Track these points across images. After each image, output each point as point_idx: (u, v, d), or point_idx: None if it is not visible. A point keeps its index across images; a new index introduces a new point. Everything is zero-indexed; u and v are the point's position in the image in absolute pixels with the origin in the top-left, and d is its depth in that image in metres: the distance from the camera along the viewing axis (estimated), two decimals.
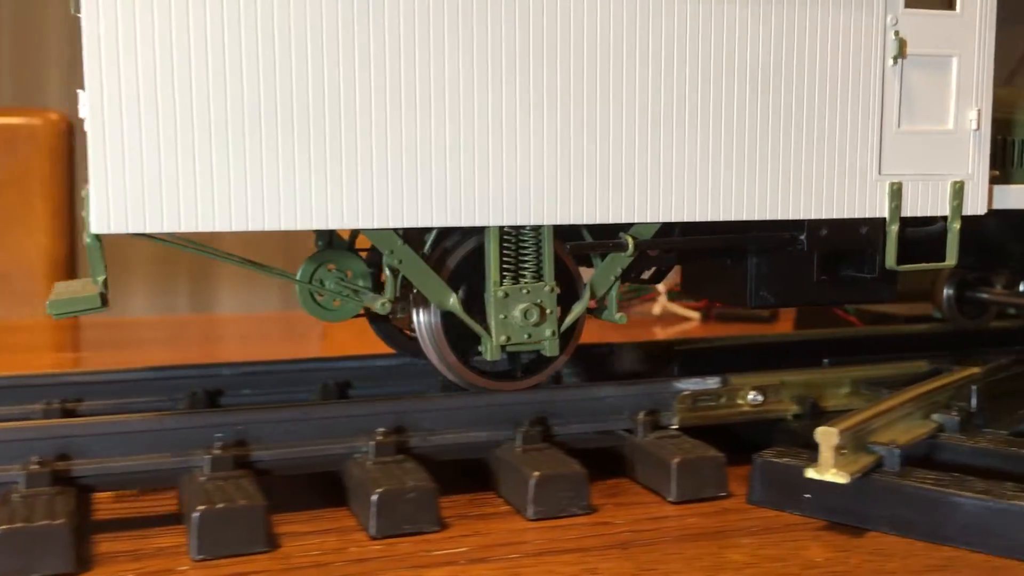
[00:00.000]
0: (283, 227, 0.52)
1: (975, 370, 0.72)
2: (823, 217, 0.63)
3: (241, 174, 0.51)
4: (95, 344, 1.28)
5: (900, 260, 0.66)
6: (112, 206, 0.50)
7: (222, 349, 1.28)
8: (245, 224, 0.52)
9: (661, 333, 1.38)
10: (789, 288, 0.68)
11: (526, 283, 0.59)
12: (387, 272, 0.58)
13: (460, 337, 0.61)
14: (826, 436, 0.56)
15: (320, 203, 0.53)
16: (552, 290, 0.60)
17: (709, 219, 0.61)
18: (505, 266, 0.59)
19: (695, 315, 1.47)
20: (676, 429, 0.67)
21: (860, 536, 0.56)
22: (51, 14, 2.19)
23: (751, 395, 0.70)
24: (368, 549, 0.54)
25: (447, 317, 0.60)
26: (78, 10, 0.51)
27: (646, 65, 0.58)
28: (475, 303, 0.60)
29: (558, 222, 0.57)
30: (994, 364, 0.74)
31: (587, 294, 0.62)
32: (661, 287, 1.53)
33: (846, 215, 0.64)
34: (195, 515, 0.52)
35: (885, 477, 0.57)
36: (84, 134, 0.51)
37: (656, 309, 1.49)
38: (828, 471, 0.56)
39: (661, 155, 0.58)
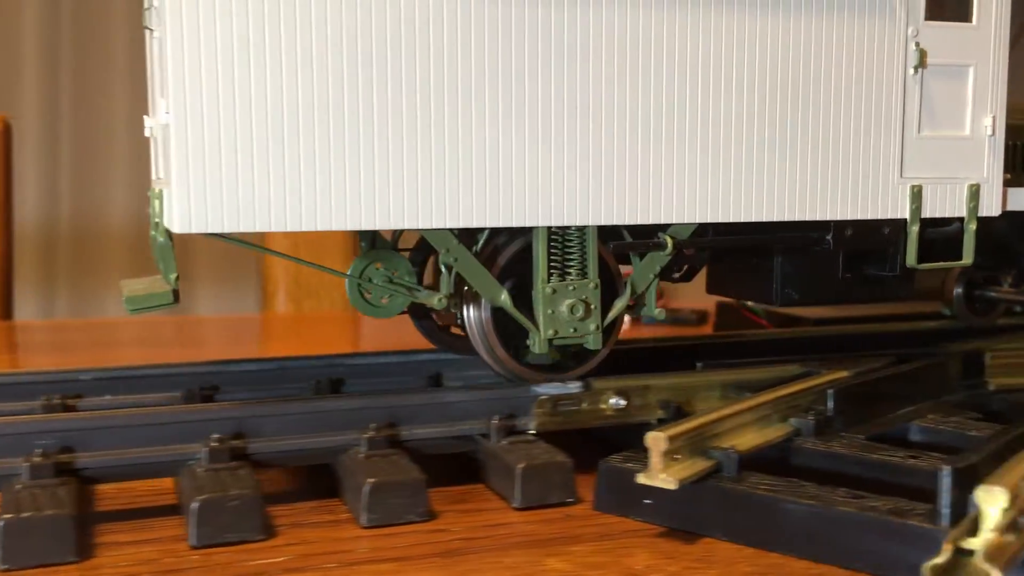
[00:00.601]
0: (349, 227, 0.55)
1: (843, 373, 0.72)
2: (848, 218, 0.67)
3: (313, 177, 0.54)
4: (85, 345, 1.28)
5: (919, 259, 0.69)
6: (194, 208, 0.52)
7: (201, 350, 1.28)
8: (315, 224, 0.55)
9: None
10: (814, 286, 0.71)
11: (572, 280, 0.63)
12: (443, 269, 0.62)
13: (508, 331, 0.64)
14: (655, 441, 0.55)
15: (384, 204, 0.56)
16: (596, 287, 0.63)
17: (743, 220, 0.64)
18: (552, 264, 0.62)
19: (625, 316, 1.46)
20: (533, 434, 0.67)
21: (693, 543, 0.55)
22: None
23: (613, 400, 0.69)
24: (185, 559, 0.53)
25: (496, 312, 0.63)
26: (149, 25, 0.56)
27: (684, 76, 0.61)
28: (522, 299, 0.63)
29: (602, 223, 0.61)
30: (864, 367, 0.74)
31: (628, 291, 0.65)
32: None
33: (869, 216, 0.67)
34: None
35: (720, 482, 0.56)
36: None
37: None
38: (657, 477, 0.55)
39: (698, 160, 0.62)
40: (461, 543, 0.55)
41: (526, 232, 0.62)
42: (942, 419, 0.70)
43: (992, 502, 0.44)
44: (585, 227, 0.62)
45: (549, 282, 0.62)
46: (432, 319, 0.74)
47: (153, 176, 0.65)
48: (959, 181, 0.70)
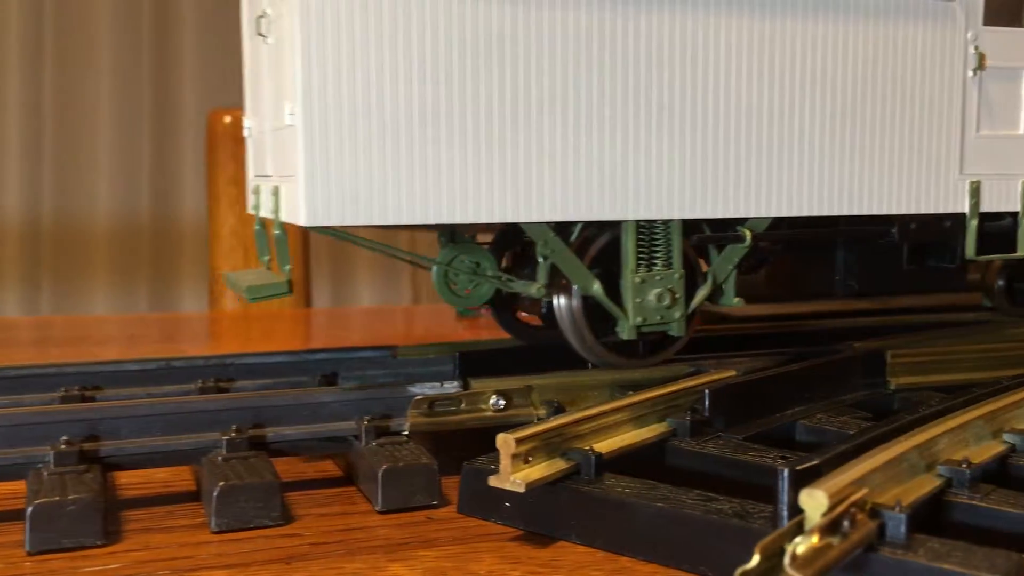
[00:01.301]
0: (458, 220, 0.59)
1: (730, 373, 0.70)
2: (913, 212, 0.70)
3: (429, 175, 0.58)
4: (68, 341, 1.26)
5: (977, 251, 0.73)
6: (320, 203, 0.55)
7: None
8: (427, 218, 0.58)
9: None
10: (878, 277, 0.76)
11: (658, 270, 0.66)
12: (540, 260, 0.65)
13: (596, 319, 0.67)
14: (504, 444, 0.53)
15: (491, 200, 0.59)
16: (681, 277, 0.67)
17: (816, 214, 0.67)
18: (640, 256, 0.66)
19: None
20: (407, 435, 0.65)
21: (546, 547, 0.54)
22: None
23: (493, 400, 0.68)
24: (19, 566, 0.51)
25: (586, 300, 0.66)
26: (262, 32, 0.60)
27: (765, 80, 0.65)
28: (609, 288, 0.66)
29: (687, 216, 0.64)
30: (753, 366, 0.72)
31: (709, 281, 0.69)
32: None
33: (932, 211, 0.71)
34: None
35: (575, 485, 0.55)
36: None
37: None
38: (507, 479, 0.53)
39: (775, 158, 0.65)
40: (309, 548, 0.54)
41: (614, 226, 0.65)
42: (829, 419, 0.69)
43: (814, 505, 0.42)
44: (670, 221, 0.66)
45: (637, 272, 0.65)
46: (510, 310, 0.77)
47: (252, 174, 0.70)
48: (1014, 177, 0.74)
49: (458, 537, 0.56)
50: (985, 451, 0.57)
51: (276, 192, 0.60)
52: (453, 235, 0.67)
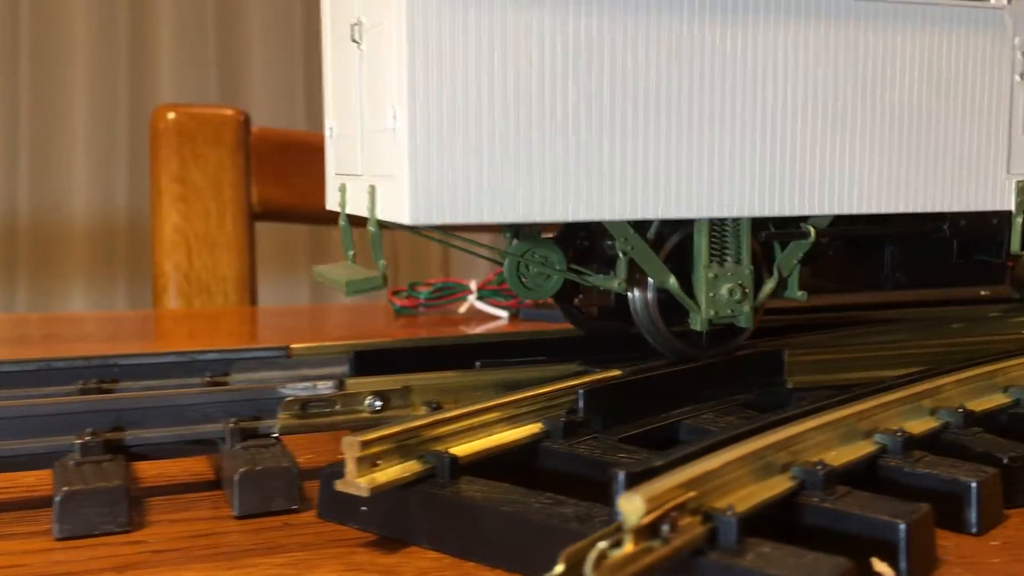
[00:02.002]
0: (548, 218, 0.61)
1: (615, 372, 0.69)
2: (963, 210, 0.74)
3: (522, 175, 0.60)
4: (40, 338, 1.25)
5: (1022, 246, 0.76)
6: (422, 202, 0.58)
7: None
8: (520, 216, 0.60)
9: (467, 331, 1.34)
10: (927, 272, 0.80)
11: (729, 266, 0.69)
12: (620, 256, 0.68)
13: (668, 311, 0.71)
14: (349, 446, 0.52)
15: (579, 199, 0.62)
16: (751, 272, 0.70)
17: (874, 211, 0.71)
18: (712, 252, 0.69)
19: (503, 314, 1.44)
20: (276, 437, 0.63)
21: (394, 552, 0.52)
22: None
23: (369, 400, 0.66)
24: None
25: (661, 294, 0.69)
26: (354, 39, 0.64)
27: (827, 90, 0.68)
28: (681, 282, 0.70)
29: (756, 214, 0.67)
30: (643, 365, 0.71)
31: (776, 275, 0.72)
32: (473, 285, 1.50)
33: (981, 208, 0.74)
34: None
35: (426, 488, 0.53)
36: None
37: (462, 308, 1.46)
38: (352, 483, 0.52)
39: (837, 160, 0.69)
40: (149, 556, 0.52)
41: (685, 224, 0.69)
42: (715, 419, 0.67)
43: (631, 509, 0.41)
44: (740, 219, 0.69)
45: (710, 268, 0.68)
46: (573, 304, 0.79)
47: (334, 171, 0.74)
48: None
49: (308, 543, 0.54)
50: (852, 452, 0.56)
51: (372, 191, 0.63)
52: (517, 231, 0.71)
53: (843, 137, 0.69)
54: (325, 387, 0.66)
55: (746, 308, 0.70)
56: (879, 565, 0.47)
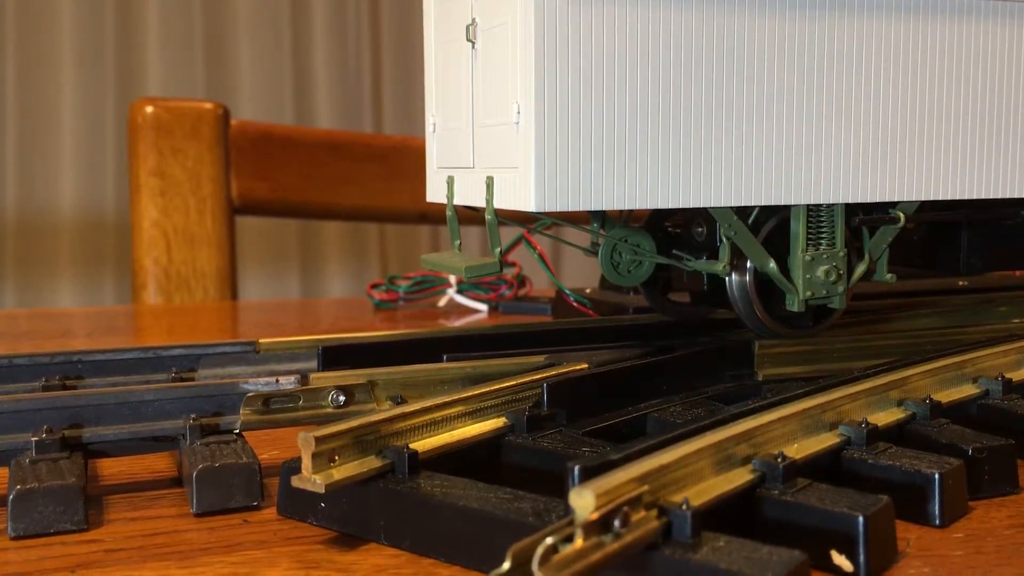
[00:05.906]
0: (659, 205, 0.64)
1: (581, 366, 0.68)
2: None
3: (637, 166, 0.63)
4: (19, 335, 1.22)
5: None
6: (548, 191, 0.61)
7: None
8: (635, 203, 0.64)
9: (446, 324, 1.33)
10: (1002, 255, 0.83)
11: (824, 249, 0.72)
12: (723, 240, 0.70)
13: (763, 293, 0.74)
14: (305, 442, 0.51)
15: (688, 186, 0.65)
16: (845, 255, 0.73)
17: (960, 197, 0.74)
18: (809, 236, 0.72)
19: (483, 307, 1.43)
20: (237, 433, 0.63)
21: (351, 550, 0.52)
22: None
23: (332, 395, 0.66)
24: None
25: (757, 276, 0.72)
26: (470, 39, 0.67)
27: (916, 81, 0.71)
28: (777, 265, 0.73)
29: (850, 201, 0.70)
30: (610, 358, 0.70)
31: (867, 258, 0.75)
32: (453, 279, 1.49)
33: None
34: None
35: (384, 484, 0.53)
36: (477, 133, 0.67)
37: (442, 302, 1.45)
38: (308, 480, 0.51)
39: (926, 148, 0.72)
40: (103, 555, 0.52)
41: (782, 209, 0.72)
42: (683, 411, 0.67)
43: (582, 505, 0.40)
44: (834, 205, 0.72)
45: (807, 251, 0.71)
46: (658, 291, 0.82)
47: (436, 165, 0.77)
48: None
49: (265, 540, 0.53)
50: (815, 444, 0.55)
51: (490, 183, 0.66)
52: (603, 219, 0.73)
53: (932, 128, 0.72)
54: (288, 382, 0.65)
55: (840, 289, 0.73)
56: (838, 558, 0.47)
